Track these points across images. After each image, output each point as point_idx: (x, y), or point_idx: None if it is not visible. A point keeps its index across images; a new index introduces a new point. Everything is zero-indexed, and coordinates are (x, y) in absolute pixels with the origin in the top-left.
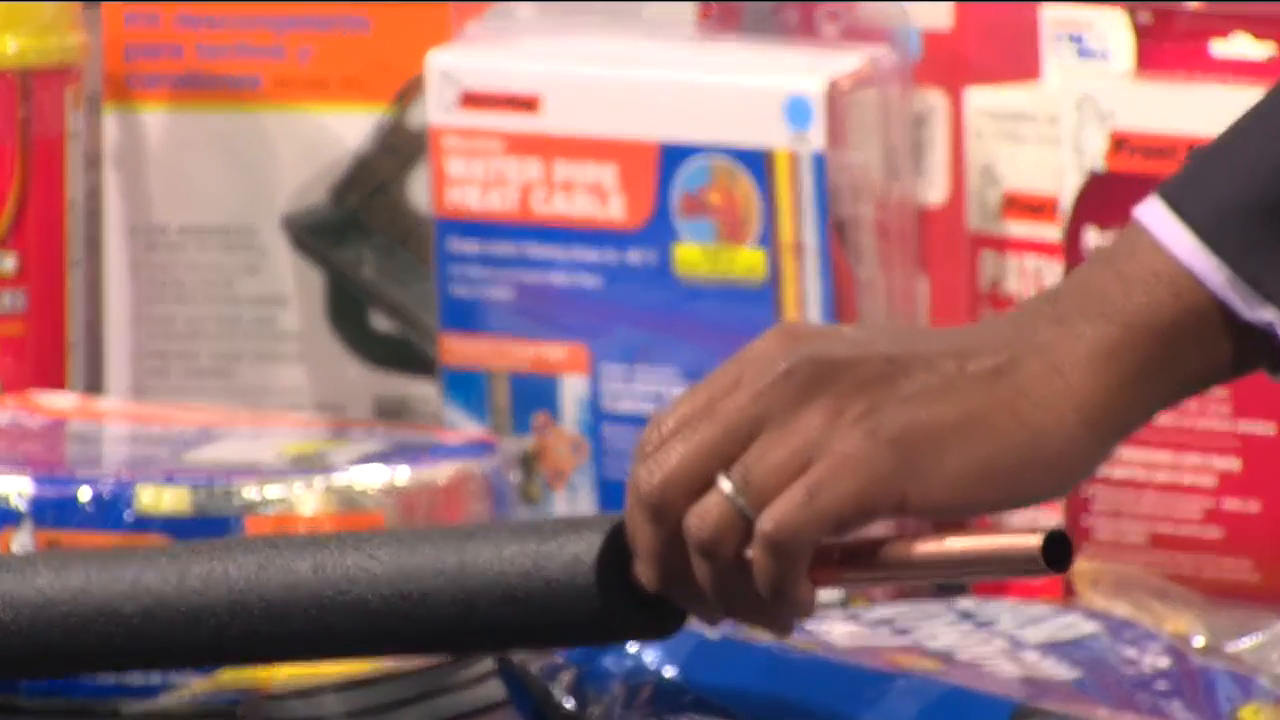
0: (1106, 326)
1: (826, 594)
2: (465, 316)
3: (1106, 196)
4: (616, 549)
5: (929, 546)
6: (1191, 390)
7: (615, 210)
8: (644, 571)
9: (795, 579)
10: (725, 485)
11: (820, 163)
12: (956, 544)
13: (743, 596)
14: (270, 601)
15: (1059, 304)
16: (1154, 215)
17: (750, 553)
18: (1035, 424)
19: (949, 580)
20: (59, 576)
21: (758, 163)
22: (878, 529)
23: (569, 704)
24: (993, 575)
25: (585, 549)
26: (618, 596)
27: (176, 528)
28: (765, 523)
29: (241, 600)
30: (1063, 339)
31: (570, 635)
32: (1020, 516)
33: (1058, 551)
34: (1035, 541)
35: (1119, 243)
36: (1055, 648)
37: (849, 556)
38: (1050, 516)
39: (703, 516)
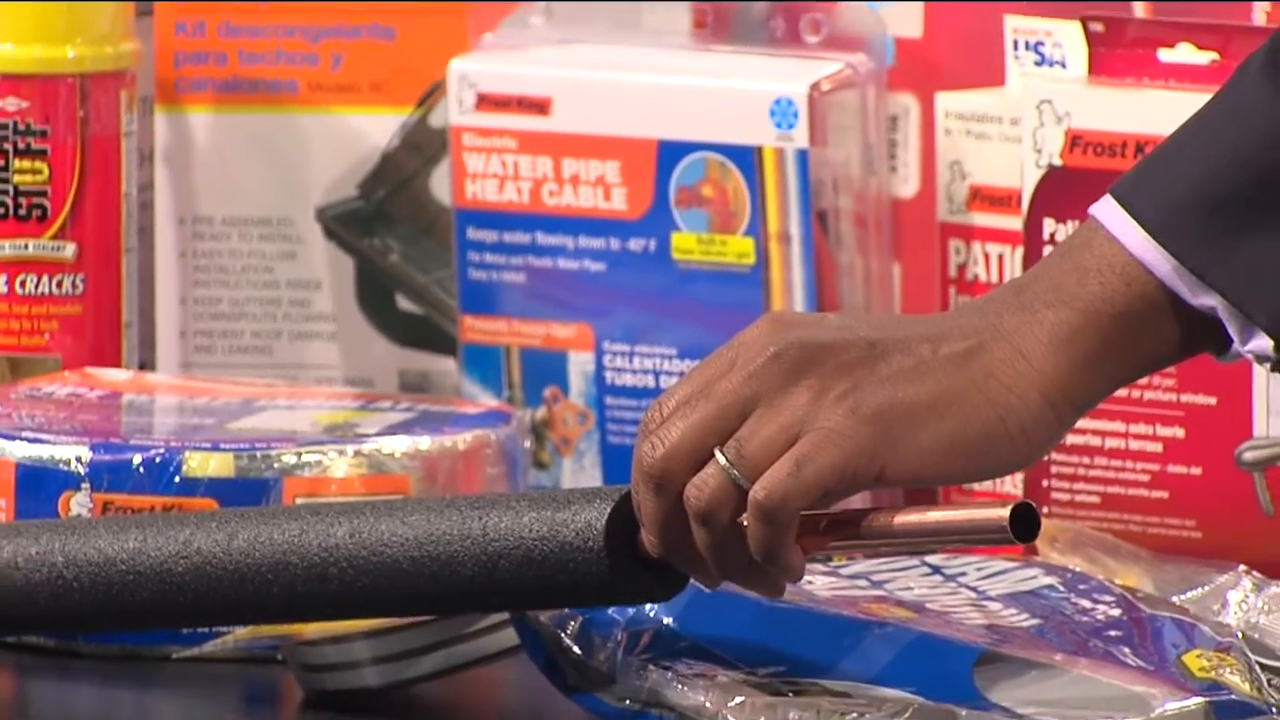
0: (1065, 313)
1: None
2: (482, 299)
3: (1063, 190)
4: (624, 518)
5: (907, 518)
6: (1143, 371)
7: (618, 202)
8: (648, 539)
9: (785, 544)
10: (721, 458)
11: (804, 159)
12: (932, 516)
13: (737, 561)
14: (310, 563)
15: (1023, 293)
16: (1107, 212)
17: (744, 520)
18: (1002, 402)
19: (925, 549)
20: (117, 539)
21: (747, 159)
22: (859, 500)
23: (576, 650)
24: (965, 544)
25: (596, 517)
26: (625, 561)
27: (220, 490)
28: (757, 492)
29: (284, 561)
30: (1026, 325)
31: (581, 596)
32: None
33: (1025, 524)
34: (1004, 514)
35: (1076, 237)
36: (1016, 598)
37: (834, 526)
38: (1011, 484)
39: (701, 487)
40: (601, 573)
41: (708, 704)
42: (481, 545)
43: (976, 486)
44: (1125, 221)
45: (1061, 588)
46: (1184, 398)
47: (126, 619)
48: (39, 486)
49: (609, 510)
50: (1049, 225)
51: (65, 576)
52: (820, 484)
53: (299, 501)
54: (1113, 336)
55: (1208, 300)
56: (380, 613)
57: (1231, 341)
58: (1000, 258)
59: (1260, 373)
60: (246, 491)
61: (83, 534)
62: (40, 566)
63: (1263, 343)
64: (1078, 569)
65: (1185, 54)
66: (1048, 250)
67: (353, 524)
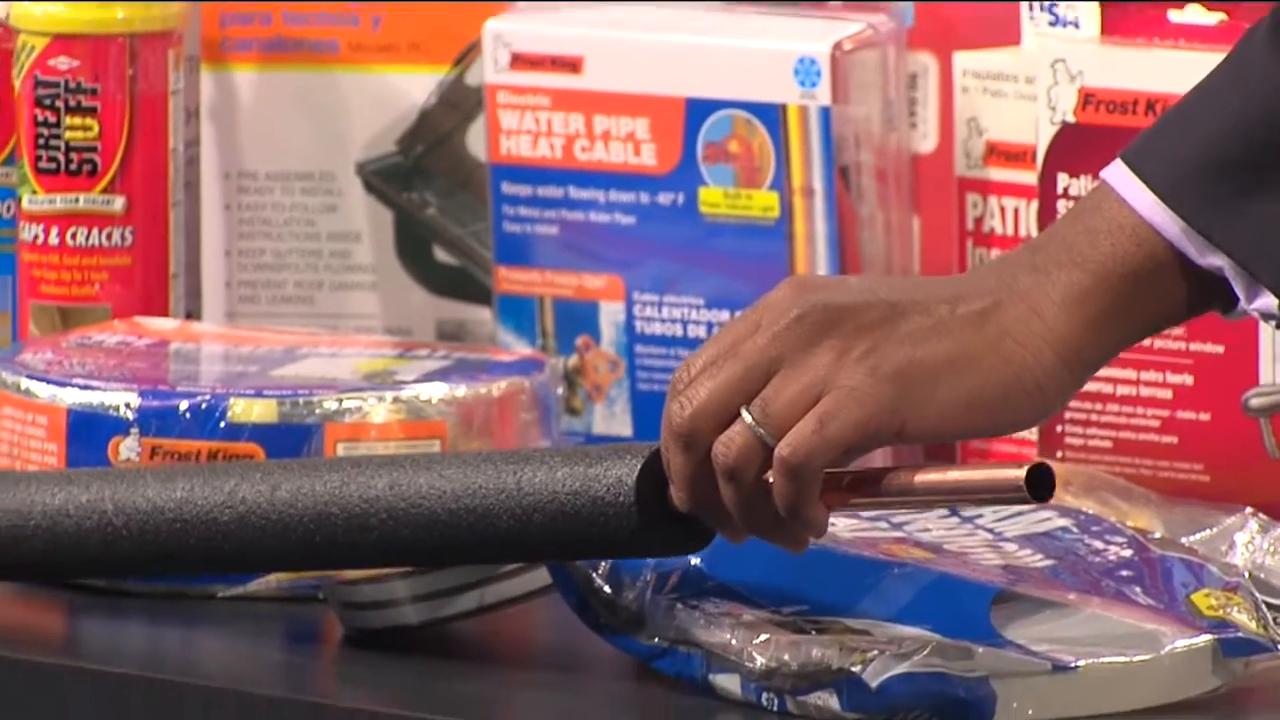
0: (1078, 273)
1: None
2: (516, 251)
3: (1076, 145)
4: (653, 474)
5: (927, 476)
6: (1153, 329)
7: (647, 158)
8: (677, 495)
9: (809, 500)
10: (747, 417)
11: (826, 116)
12: (951, 475)
13: (763, 516)
14: (351, 514)
15: (1036, 255)
16: (1118, 176)
17: (770, 477)
18: (1017, 360)
19: (943, 506)
20: (165, 488)
21: (772, 116)
22: (880, 458)
23: (606, 590)
24: (982, 503)
25: (627, 473)
26: (654, 516)
27: (264, 435)
28: (782, 449)
29: (325, 512)
30: (1040, 285)
31: (611, 549)
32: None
33: (1040, 484)
34: (1020, 474)
35: (1088, 200)
36: (1031, 539)
37: (856, 483)
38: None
39: (728, 444)
40: (631, 526)
41: (733, 641)
42: (516, 499)
43: (995, 442)
44: (1135, 185)
45: (1075, 529)
46: (1193, 346)
47: (173, 565)
48: (89, 432)
49: (639, 467)
50: (1063, 180)
51: (114, 524)
52: (843, 440)
53: (340, 447)
54: (1123, 296)
55: (1215, 260)
56: (418, 562)
57: (1238, 300)
58: (1016, 211)
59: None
60: (289, 436)
61: (131, 483)
62: (90, 514)
63: (1268, 301)
64: (1091, 511)
65: (1194, 15)
66: (1061, 204)
67: (392, 476)
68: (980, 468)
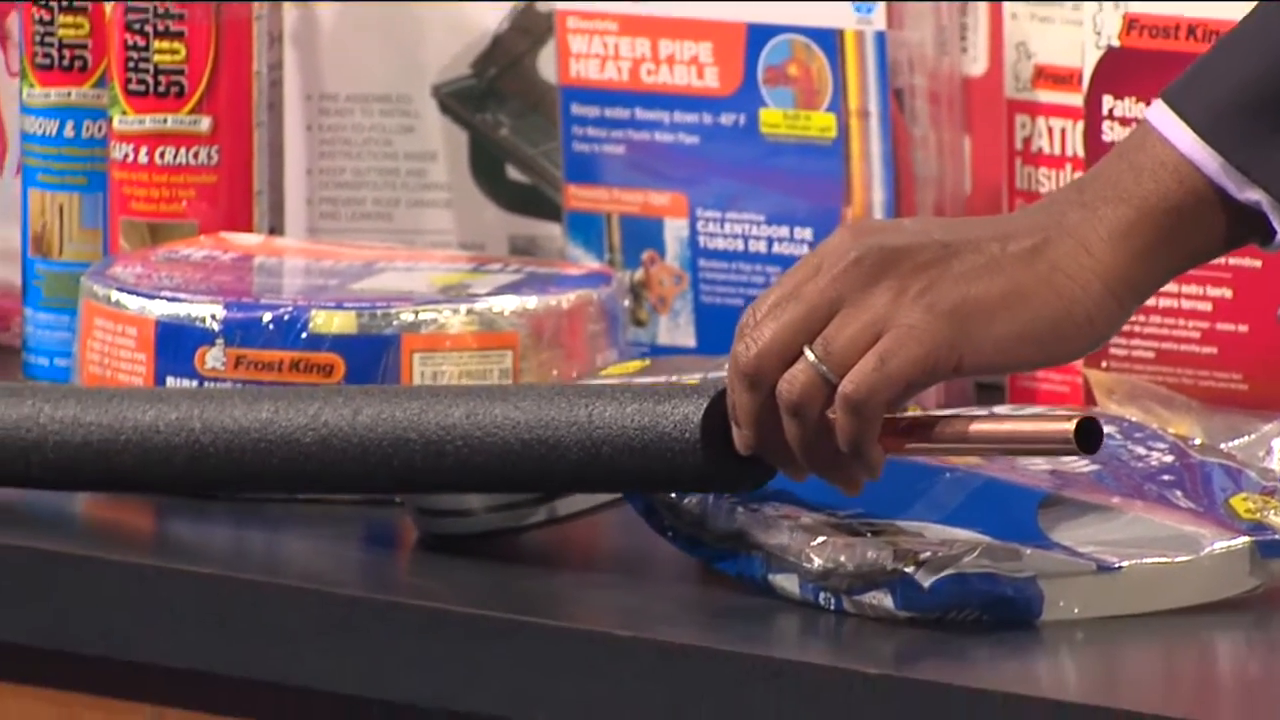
0: (1123, 209)
1: None
2: (585, 169)
3: (1120, 69)
4: (718, 414)
5: (980, 426)
6: (1195, 261)
7: (711, 80)
8: (741, 434)
9: (870, 437)
10: (810, 355)
11: (882, 40)
12: (1003, 425)
13: (823, 454)
14: (428, 440)
15: (1083, 192)
16: (1159, 115)
17: (832, 414)
18: (1068, 293)
19: (994, 455)
20: (250, 409)
21: (830, 40)
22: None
23: (671, 495)
24: (1032, 454)
25: (693, 411)
26: (717, 453)
27: (344, 345)
28: (846, 385)
29: (404, 438)
30: (1087, 221)
31: (675, 483)
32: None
33: (1088, 437)
34: (1069, 428)
35: (1131, 139)
36: None
37: (912, 428)
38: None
39: (791, 382)
40: (696, 463)
41: (792, 543)
42: (587, 431)
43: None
44: (1175, 124)
45: (1119, 436)
46: (1232, 261)
47: (256, 483)
48: (177, 342)
49: (705, 406)
50: (1107, 102)
51: (201, 441)
52: (904, 376)
53: (416, 357)
54: (1166, 229)
55: (1252, 195)
56: (491, 489)
57: (1275, 233)
58: (1062, 132)
59: None
60: (368, 347)
61: (219, 403)
62: (179, 431)
63: None
64: (1133, 419)
65: None
66: (1106, 125)
67: (469, 406)
68: (1031, 420)
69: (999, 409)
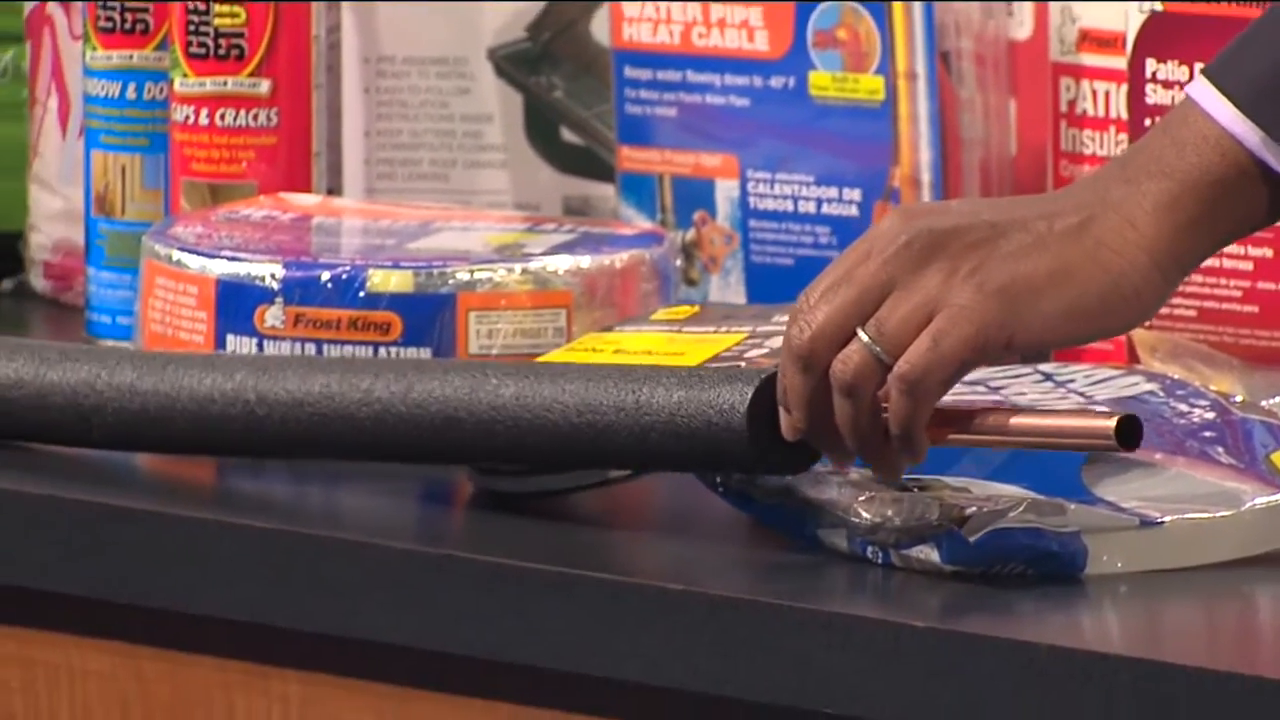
0: (1166, 183)
1: None
2: (638, 131)
3: (1163, 32)
4: (764, 400)
5: (1021, 419)
6: (1238, 234)
7: (761, 44)
8: (791, 417)
9: (921, 419)
10: (864, 335)
11: (929, 5)
12: (1045, 420)
13: (871, 437)
14: (479, 419)
15: (1127, 168)
16: (1201, 91)
17: (883, 396)
18: (1114, 268)
19: (1036, 448)
20: (305, 381)
21: (878, 5)
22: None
23: None
24: (1072, 449)
25: (739, 399)
26: (763, 439)
27: (401, 304)
28: (901, 365)
29: (454, 416)
30: (1131, 196)
31: (721, 467)
32: None
33: (1128, 433)
34: (1110, 424)
35: (1174, 115)
36: (1120, 403)
37: (956, 418)
38: None
39: (846, 362)
40: (741, 447)
41: (840, 499)
42: (635, 417)
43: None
44: (1217, 99)
45: (1161, 393)
46: None
47: (311, 452)
48: (237, 300)
49: (751, 393)
50: (1150, 65)
51: (257, 413)
52: (957, 355)
53: (471, 315)
54: (1210, 202)
55: None
56: (539, 467)
57: None
58: (1106, 94)
59: None
60: (424, 305)
61: (274, 374)
62: (235, 402)
63: None
64: (1176, 376)
65: None
66: (1149, 88)
67: (519, 386)
68: (1073, 415)
69: (1043, 366)
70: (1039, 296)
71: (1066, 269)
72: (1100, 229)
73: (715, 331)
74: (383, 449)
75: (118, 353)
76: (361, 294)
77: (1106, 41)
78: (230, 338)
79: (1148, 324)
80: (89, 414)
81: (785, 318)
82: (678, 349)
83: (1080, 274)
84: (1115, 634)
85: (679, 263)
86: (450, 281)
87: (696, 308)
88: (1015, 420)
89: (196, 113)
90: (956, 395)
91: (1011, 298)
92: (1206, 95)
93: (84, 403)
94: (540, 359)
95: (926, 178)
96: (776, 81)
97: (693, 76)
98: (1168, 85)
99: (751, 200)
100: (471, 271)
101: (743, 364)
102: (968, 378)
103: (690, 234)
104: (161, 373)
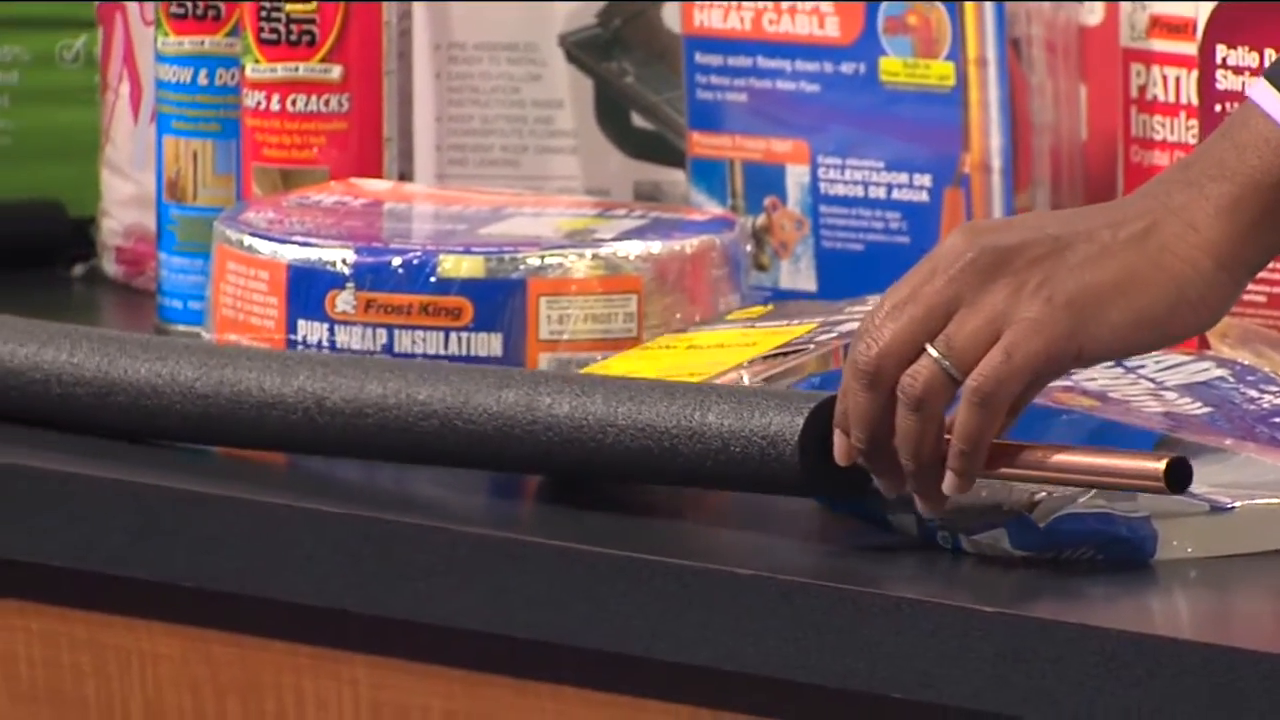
0: (1228, 186)
1: None
2: (709, 117)
3: (1234, 18)
4: (816, 425)
5: (1071, 457)
6: None
7: (832, 30)
8: (847, 440)
9: (989, 435)
10: (933, 351)
11: None
12: (1095, 459)
13: (930, 458)
14: (536, 439)
15: (1188, 171)
16: (1262, 93)
17: (954, 412)
18: (1179, 273)
19: (1083, 486)
20: (363, 389)
21: None
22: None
23: None
24: (1121, 489)
25: (789, 428)
26: (814, 465)
27: (471, 289)
28: (974, 378)
29: (510, 433)
30: (1194, 200)
31: (775, 490)
32: None
33: (1177, 475)
34: (1160, 465)
35: (1234, 118)
36: (1191, 388)
37: (1005, 455)
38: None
39: (915, 376)
40: (790, 474)
41: None
42: (689, 445)
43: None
44: (1277, 101)
45: (1231, 379)
46: None
47: (374, 455)
48: (308, 286)
49: (801, 423)
50: (1220, 51)
51: (318, 422)
52: (1030, 367)
53: (542, 301)
54: (1272, 204)
55: None
56: (591, 480)
57: None
58: (1177, 80)
59: None
60: (495, 290)
61: (333, 384)
62: (294, 410)
63: None
64: (1246, 362)
65: None
66: (1219, 74)
67: (572, 404)
68: (1124, 456)
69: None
70: (1106, 306)
71: (1133, 277)
72: (1163, 234)
73: (788, 324)
74: (444, 457)
75: (178, 349)
76: (432, 279)
77: (1177, 27)
78: (301, 323)
79: None
80: (153, 414)
81: (856, 307)
82: (750, 340)
83: (1146, 281)
84: (1185, 619)
85: (749, 248)
86: (521, 267)
87: (769, 306)
88: (1064, 458)
89: (268, 98)
90: None
91: (1079, 309)
92: (1267, 97)
93: (147, 404)
94: (615, 358)
95: (997, 164)
96: (847, 67)
97: (763, 62)
98: (1238, 71)
99: (822, 186)
100: (542, 257)
101: (812, 347)
102: None
103: (761, 219)
104: (221, 373)
